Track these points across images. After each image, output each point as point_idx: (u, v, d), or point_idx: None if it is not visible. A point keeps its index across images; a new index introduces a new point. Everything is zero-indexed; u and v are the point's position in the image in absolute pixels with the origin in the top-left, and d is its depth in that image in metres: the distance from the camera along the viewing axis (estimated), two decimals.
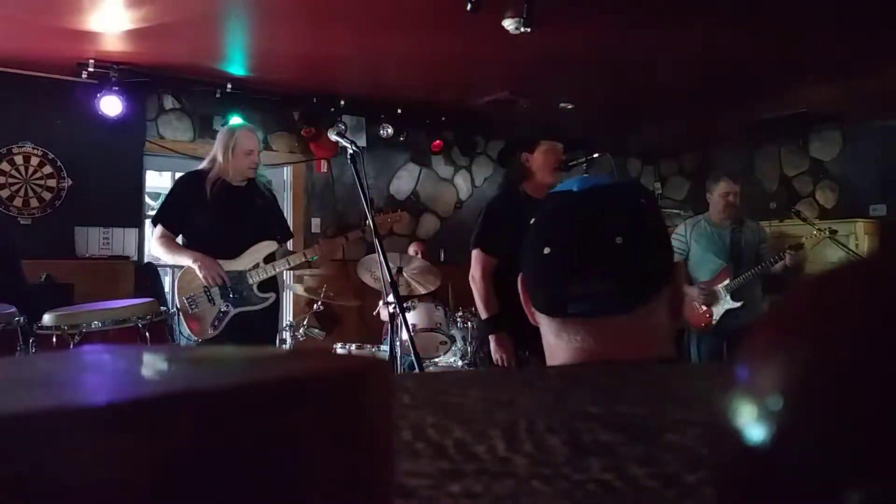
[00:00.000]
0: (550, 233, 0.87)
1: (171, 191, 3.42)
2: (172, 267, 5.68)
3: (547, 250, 0.85)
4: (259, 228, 3.31)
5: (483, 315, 3.21)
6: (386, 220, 3.63)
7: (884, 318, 0.17)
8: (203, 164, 3.34)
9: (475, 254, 3.19)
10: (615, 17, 3.96)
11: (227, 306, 3.19)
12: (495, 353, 3.12)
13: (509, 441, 0.35)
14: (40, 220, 4.85)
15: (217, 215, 3.18)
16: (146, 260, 5.34)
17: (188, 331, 3.16)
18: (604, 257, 0.83)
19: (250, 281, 3.22)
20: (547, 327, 0.88)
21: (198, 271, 3.13)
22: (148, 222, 5.64)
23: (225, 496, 0.17)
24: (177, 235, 3.25)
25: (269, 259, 3.29)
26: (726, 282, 4.12)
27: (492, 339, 3.14)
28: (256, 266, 3.24)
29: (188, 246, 3.22)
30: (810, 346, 0.18)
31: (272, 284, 3.30)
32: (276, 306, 3.39)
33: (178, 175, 5.56)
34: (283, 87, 5.33)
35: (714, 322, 4.14)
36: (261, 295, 3.25)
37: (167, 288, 5.41)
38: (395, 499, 0.27)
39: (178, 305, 3.19)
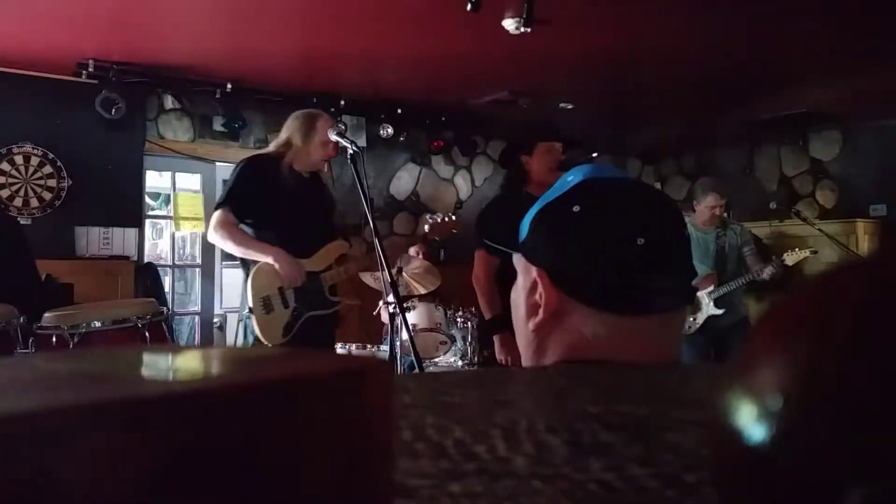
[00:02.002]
0: (641, 222, 0.79)
1: (240, 173, 2.97)
2: (173, 267, 5.70)
3: (641, 241, 0.77)
4: (328, 225, 3.12)
5: (486, 315, 3.20)
6: (446, 227, 3.39)
7: (883, 319, 0.17)
8: (270, 148, 3.09)
9: (478, 254, 3.18)
10: (615, 17, 3.96)
11: (300, 310, 2.94)
12: (499, 353, 3.11)
13: (509, 441, 0.35)
14: (40, 220, 4.85)
15: (292, 207, 2.93)
16: (147, 259, 5.35)
17: (259, 333, 2.86)
18: (684, 249, 0.82)
19: (323, 284, 2.99)
20: (602, 327, 0.78)
21: (279, 269, 2.85)
22: (148, 223, 5.63)
23: (225, 496, 0.17)
24: (240, 223, 2.93)
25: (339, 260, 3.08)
26: (710, 288, 4.13)
27: (496, 339, 3.14)
28: (330, 268, 3.02)
29: (258, 238, 2.93)
30: (810, 346, 0.18)
31: (337, 287, 3.11)
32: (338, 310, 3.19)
33: (178, 175, 5.56)
34: (283, 87, 5.32)
35: (697, 326, 4.17)
36: (332, 299, 3.03)
37: (167, 288, 5.41)
38: (395, 499, 0.27)
39: (252, 305, 2.88)
